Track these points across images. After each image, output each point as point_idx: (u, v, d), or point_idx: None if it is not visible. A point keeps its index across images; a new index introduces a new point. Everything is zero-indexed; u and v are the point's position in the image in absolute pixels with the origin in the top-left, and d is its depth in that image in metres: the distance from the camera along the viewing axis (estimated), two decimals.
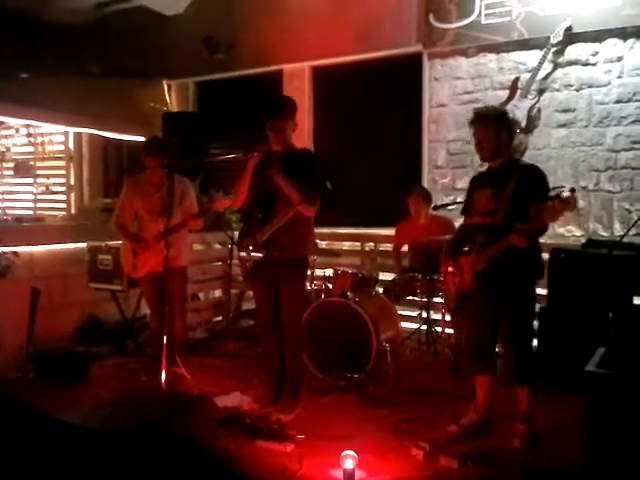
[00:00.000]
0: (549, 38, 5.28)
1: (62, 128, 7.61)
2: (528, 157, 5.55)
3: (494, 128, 3.35)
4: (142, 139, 7.11)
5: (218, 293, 6.53)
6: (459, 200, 4.76)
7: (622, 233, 4.68)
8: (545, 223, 3.03)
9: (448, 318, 4.71)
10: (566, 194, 2.92)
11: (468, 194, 3.62)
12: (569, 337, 4.26)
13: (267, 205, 3.75)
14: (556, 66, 5.43)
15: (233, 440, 3.36)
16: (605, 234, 5.28)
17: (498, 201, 3.28)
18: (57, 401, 3.84)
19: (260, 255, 3.73)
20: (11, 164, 8.59)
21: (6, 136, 8.65)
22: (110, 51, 7.85)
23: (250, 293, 5.59)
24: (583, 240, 5.05)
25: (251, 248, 3.75)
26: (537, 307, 4.76)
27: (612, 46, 5.21)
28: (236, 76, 7.27)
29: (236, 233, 4.82)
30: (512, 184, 3.24)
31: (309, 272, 5.10)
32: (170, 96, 7.88)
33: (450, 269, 3.55)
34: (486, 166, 3.55)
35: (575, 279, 4.42)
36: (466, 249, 3.45)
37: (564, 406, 3.78)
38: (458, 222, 4.06)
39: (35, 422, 2.97)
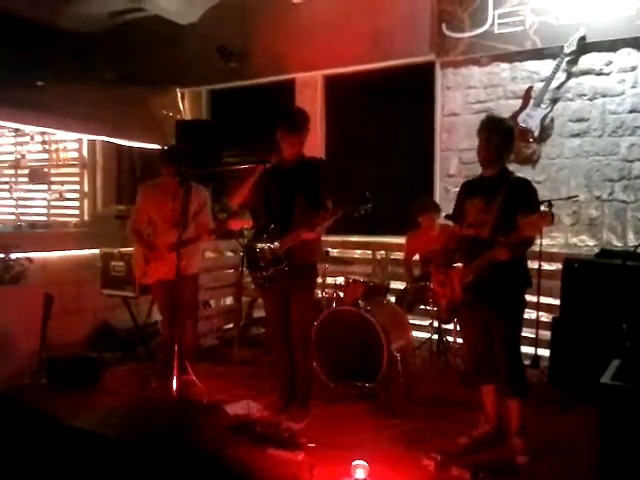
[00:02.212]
0: (563, 47, 5.27)
1: (76, 135, 7.67)
2: (541, 167, 5.55)
3: (502, 136, 3.38)
4: (155, 146, 7.17)
5: (229, 300, 6.54)
6: None
7: (636, 243, 4.65)
8: (524, 237, 3.03)
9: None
10: (544, 209, 2.95)
11: (459, 200, 3.60)
12: (583, 348, 4.23)
13: (281, 216, 3.74)
14: (569, 75, 5.42)
15: (243, 448, 3.36)
16: (619, 244, 5.24)
17: (487, 213, 3.29)
18: (69, 407, 3.85)
19: (270, 272, 3.74)
20: (26, 171, 8.64)
21: (21, 143, 8.71)
22: (124, 59, 7.92)
23: (261, 301, 5.60)
24: (596, 250, 5.02)
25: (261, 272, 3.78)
26: (550, 317, 4.80)
27: (626, 56, 5.19)
28: (248, 85, 7.31)
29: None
30: (502, 198, 3.25)
31: (320, 280, 5.10)
32: (183, 104, 7.93)
33: (440, 281, 3.53)
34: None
35: (588, 290, 4.39)
36: (454, 260, 3.44)
37: (578, 417, 3.76)
38: None
39: (47, 428, 2.98)
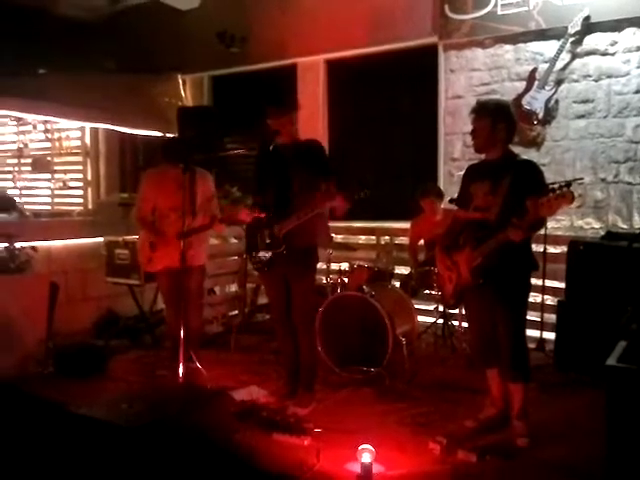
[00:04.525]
0: (567, 28, 5.21)
1: (79, 124, 7.66)
2: (546, 149, 5.51)
3: (490, 119, 3.30)
4: (158, 134, 7.15)
5: (234, 287, 6.54)
6: None
7: None
8: (541, 217, 2.99)
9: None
10: (564, 189, 2.89)
11: (464, 184, 3.56)
12: (588, 331, 4.21)
13: (278, 200, 3.73)
14: (574, 56, 5.36)
15: (250, 434, 3.36)
16: (624, 226, 5.21)
17: (494, 196, 3.26)
18: (76, 395, 3.88)
19: (269, 255, 3.74)
20: (29, 160, 8.66)
21: (24, 132, 8.72)
22: (125, 46, 7.85)
23: None
24: (602, 232, 4.99)
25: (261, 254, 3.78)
26: (555, 301, 4.79)
27: (631, 35, 5.13)
28: (250, 70, 7.27)
29: None
30: (508, 180, 3.21)
31: (325, 266, 5.10)
32: (185, 91, 7.90)
33: (445, 264, 3.51)
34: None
35: (594, 272, 4.37)
36: (460, 243, 3.42)
37: (584, 400, 3.76)
38: None
39: (54, 416, 3.00)
